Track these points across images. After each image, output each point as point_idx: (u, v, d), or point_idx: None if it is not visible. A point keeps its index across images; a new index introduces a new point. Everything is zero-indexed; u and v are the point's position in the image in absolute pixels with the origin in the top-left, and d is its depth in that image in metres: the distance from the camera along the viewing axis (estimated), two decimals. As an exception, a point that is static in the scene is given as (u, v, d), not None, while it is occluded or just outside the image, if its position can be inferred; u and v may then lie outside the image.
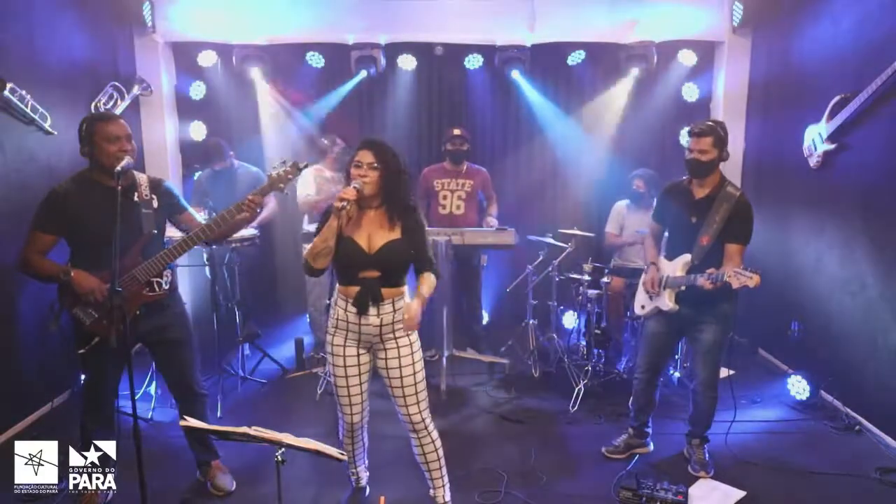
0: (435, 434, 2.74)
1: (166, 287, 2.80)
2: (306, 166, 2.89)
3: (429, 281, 2.62)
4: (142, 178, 2.78)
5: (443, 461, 2.79)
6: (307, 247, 2.60)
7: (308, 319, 5.12)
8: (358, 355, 2.66)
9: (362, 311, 2.55)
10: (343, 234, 2.53)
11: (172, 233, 3.12)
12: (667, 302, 3.15)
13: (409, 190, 2.64)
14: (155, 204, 2.77)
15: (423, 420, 2.68)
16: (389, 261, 2.55)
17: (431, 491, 2.84)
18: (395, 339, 2.63)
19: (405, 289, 2.66)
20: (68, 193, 2.63)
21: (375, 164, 2.49)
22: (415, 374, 2.65)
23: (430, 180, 4.83)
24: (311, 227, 4.55)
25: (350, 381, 2.68)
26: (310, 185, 4.68)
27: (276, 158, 3.42)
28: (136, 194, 2.72)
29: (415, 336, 2.68)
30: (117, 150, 2.58)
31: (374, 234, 2.56)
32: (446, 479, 2.83)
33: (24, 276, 2.68)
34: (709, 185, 3.08)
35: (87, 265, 2.62)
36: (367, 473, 3.05)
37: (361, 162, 2.50)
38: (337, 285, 2.67)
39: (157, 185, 2.82)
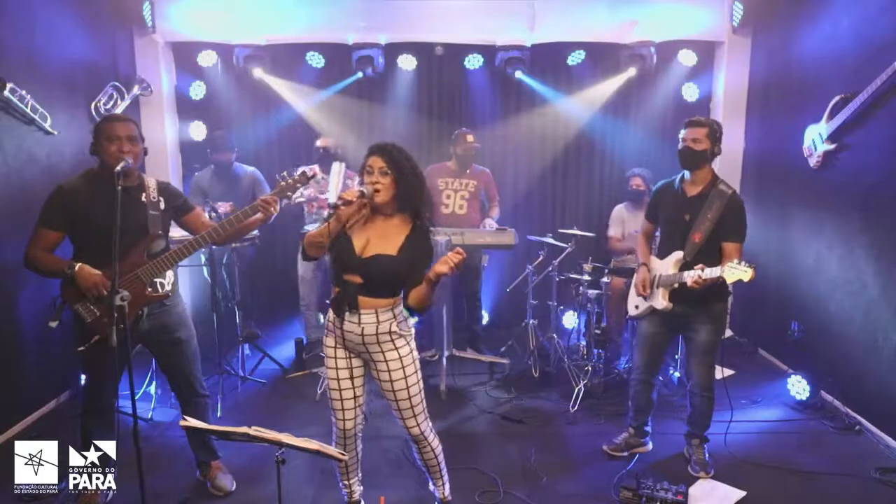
0: (435, 442, 2.70)
1: (169, 288, 2.81)
2: (314, 175, 2.90)
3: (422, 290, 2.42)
4: (150, 180, 2.81)
5: (442, 463, 2.78)
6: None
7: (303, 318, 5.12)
8: (348, 358, 2.56)
9: (337, 314, 2.48)
10: (346, 232, 2.46)
11: (174, 233, 3.12)
12: (661, 301, 3.14)
13: (424, 198, 2.47)
14: (162, 206, 2.79)
15: (422, 433, 2.61)
16: (374, 273, 2.40)
17: (431, 485, 2.84)
18: (383, 351, 2.49)
19: (395, 300, 2.49)
20: (74, 190, 2.65)
21: (387, 169, 2.38)
22: (408, 388, 2.52)
23: (433, 179, 4.82)
24: (310, 227, 4.57)
25: (342, 384, 2.57)
26: None
27: (285, 162, 3.42)
28: (143, 195, 2.74)
29: (407, 349, 2.52)
30: (116, 150, 2.60)
31: (373, 242, 2.44)
32: (446, 477, 2.82)
33: (30, 271, 2.67)
34: (701, 182, 3.10)
35: (91, 262, 2.62)
36: (361, 488, 2.84)
37: (372, 168, 2.40)
38: None
39: (164, 188, 2.85)
